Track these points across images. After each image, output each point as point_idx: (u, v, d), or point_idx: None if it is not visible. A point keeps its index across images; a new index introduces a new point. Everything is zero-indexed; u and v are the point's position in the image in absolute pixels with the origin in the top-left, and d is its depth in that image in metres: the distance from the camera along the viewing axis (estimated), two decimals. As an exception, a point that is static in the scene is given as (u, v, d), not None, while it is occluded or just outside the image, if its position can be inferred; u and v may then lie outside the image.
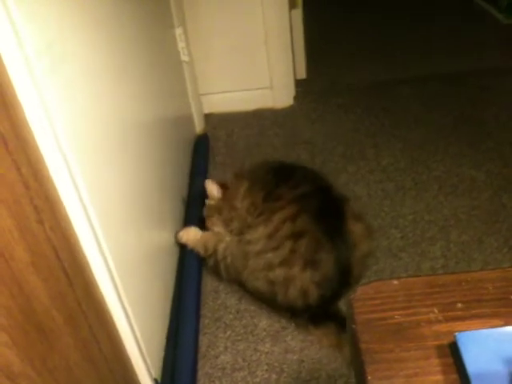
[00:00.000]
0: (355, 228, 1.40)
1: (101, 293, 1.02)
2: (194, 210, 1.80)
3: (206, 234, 1.61)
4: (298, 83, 2.45)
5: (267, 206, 1.46)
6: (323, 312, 1.41)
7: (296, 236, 1.37)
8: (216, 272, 1.59)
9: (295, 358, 1.41)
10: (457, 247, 1.65)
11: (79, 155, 0.92)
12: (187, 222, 1.75)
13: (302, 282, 1.37)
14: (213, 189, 1.60)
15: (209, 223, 1.63)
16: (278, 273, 1.39)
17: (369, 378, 0.53)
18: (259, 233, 1.44)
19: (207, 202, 1.64)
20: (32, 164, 0.82)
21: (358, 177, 1.98)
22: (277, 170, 1.56)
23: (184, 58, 2.07)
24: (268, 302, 1.50)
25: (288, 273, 1.38)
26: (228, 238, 1.54)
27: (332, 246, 1.36)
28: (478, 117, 2.21)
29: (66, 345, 0.86)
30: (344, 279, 1.37)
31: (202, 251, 1.59)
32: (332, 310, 1.42)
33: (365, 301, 0.59)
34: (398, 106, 2.34)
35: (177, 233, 1.64)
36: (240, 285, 1.54)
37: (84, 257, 0.97)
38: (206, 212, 1.65)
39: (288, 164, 1.63)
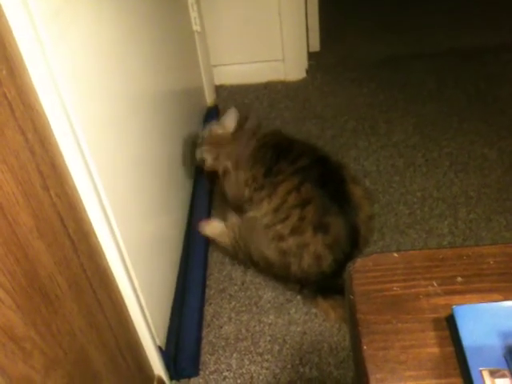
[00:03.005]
0: (356, 190, 1.41)
1: (106, 260, 1.03)
2: (203, 180, 1.81)
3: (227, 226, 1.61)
4: (311, 56, 2.42)
5: (268, 180, 1.47)
6: (333, 284, 1.42)
7: (302, 204, 1.38)
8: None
9: (298, 329, 1.42)
10: (465, 225, 1.64)
11: (86, 123, 0.92)
12: (196, 191, 1.77)
13: (315, 247, 1.38)
14: (233, 120, 1.61)
15: (211, 151, 1.64)
16: (291, 242, 1.39)
17: (364, 348, 0.53)
18: (264, 208, 1.45)
19: (213, 127, 1.66)
20: (38, 131, 0.82)
21: (368, 152, 1.96)
22: (275, 146, 1.56)
23: (196, 27, 2.05)
24: (278, 273, 1.49)
25: (300, 240, 1.38)
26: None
27: (338, 208, 1.37)
28: (493, 93, 2.17)
29: (70, 310, 0.87)
30: (353, 240, 1.38)
31: (228, 244, 1.60)
32: (340, 283, 1.43)
33: (364, 272, 0.59)
34: (412, 81, 2.30)
35: (200, 225, 1.64)
36: (251, 261, 1.54)
37: (89, 224, 0.97)
38: (207, 138, 1.66)
39: (285, 138, 1.62)
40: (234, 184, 1.59)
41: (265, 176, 1.49)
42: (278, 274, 1.49)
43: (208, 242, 1.65)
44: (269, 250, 1.45)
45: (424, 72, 2.34)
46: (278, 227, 1.41)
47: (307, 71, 2.39)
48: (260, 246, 1.46)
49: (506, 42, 2.46)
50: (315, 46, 2.49)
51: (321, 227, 1.37)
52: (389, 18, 2.76)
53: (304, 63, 2.37)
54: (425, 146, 1.95)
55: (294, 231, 1.39)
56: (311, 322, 1.44)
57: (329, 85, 2.34)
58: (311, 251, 1.38)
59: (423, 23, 2.67)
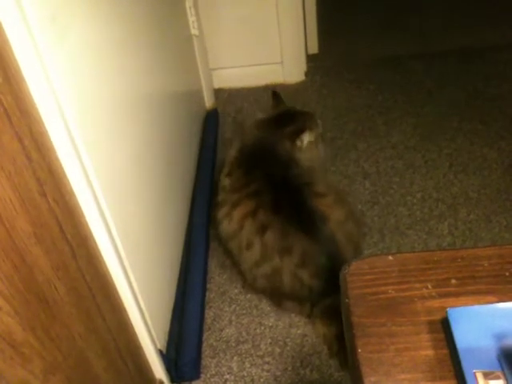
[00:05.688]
0: (319, 203, 1.39)
1: (105, 264, 1.03)
2: (202, 185, 1.82)
3: None
4: (310, 58, 2.42)
5: (230, 194, 1.49)
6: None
7: (260, 231, 1.37)
8: None
9: (299, 332, 1.42)
10: (465, 225, 1.64)
11: (83, 129, 0.92)
12: (195, 195, 1.77)
13: (288, 269, 1.37)
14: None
15: None
16: (267, 268, 1.40)
17: (359, 351, 0.53)
18: (225, 226, 1.46)
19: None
20: (35, 137, 0.82)
21: (367, 154, 1.96)
22: (246, 158, 1.55)
23: (194, 31, 2.05)
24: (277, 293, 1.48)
25: (272, 265, 1.39)
26: None
27: (297, 228, 1.36)
28: (492, 93, 2.17)
29: (68, 315, 0.87)
30: (328, 250, 1.36)
31: None
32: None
33: (359, 275, 0.60)
34: (411, 81, 2.29)
35: None
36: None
37: (88, 229, 0.98)
38: None
39: (259, 152, 1.55)
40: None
41: (231, 186, 1.51)
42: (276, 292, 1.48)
43: (208, 245, 1.65)
44: (256, 281, 1.46)
45: (423, 72, 2.34)
46: (248, 254, 1.41)
47: (306, 73, 2.39)
48: (247, 272, 1.48)
49: (505, 41, 2.46)
50: (313, 48, 2.49)
51: (284, 251, 1.36)
52: (387, 19, 2.75)
53: (303, 65, 2.37)
54: (424, 147, 1.95)
55: (264, 258, 1.39)
56: (312, 324, 1.43)
57: (328, 87, 2.34)
58: (287, 272, 1.38)
59: (422, 23, 2.66)
